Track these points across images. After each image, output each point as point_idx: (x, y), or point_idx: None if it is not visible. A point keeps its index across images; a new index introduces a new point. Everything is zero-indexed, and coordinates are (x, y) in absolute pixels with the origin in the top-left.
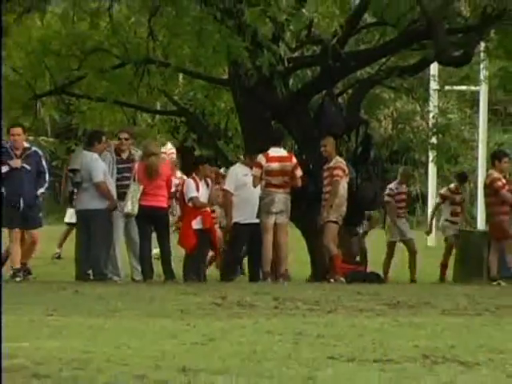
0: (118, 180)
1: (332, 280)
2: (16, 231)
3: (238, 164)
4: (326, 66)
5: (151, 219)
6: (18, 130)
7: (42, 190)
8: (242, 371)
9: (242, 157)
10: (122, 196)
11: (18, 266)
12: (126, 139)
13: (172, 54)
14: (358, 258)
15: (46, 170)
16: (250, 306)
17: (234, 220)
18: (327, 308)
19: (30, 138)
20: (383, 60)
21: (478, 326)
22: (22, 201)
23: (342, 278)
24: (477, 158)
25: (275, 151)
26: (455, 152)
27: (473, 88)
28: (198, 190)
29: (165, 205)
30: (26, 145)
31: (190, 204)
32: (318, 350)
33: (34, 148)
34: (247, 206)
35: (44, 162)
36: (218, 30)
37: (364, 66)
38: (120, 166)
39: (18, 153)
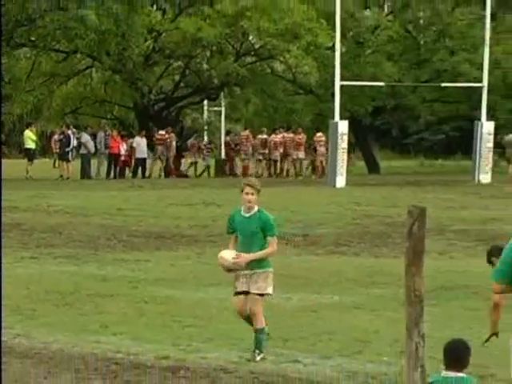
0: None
1: (173, 176)
2: (60, 162)
3: (138, 136)
4: (168, 103)
5: (115, 156)
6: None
7: (67, 149)
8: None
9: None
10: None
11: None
12: (107, 128)
13: (114, 97)
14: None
15: (71, 142)
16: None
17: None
18: (171, 186)
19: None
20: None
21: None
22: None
23: (175, 176)
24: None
25: (161, 132)
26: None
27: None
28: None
29: (119, 152)
30: (68, 132)
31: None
32: (180, 200)
33: (69, 132)
34: (143, 151)
35: (71, 138)
36: (129, 88)
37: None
38: (107, 137)
39: (62, 133)
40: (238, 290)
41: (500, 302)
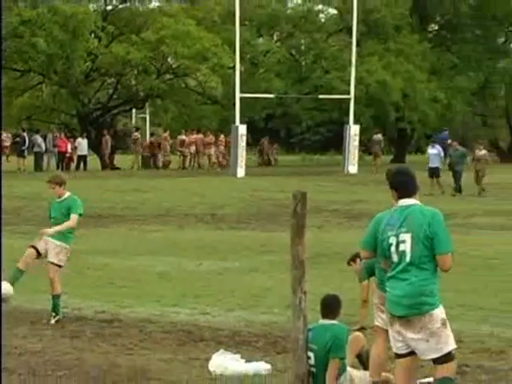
0: (53, 141)
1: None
2: (17, 158)
3: (80, 138)
4: (104, 111)
5: (62, 154)
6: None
7: (23, 147)
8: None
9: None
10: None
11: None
12: (55, 131)
13: (61, 107)
14: None
15: (26, 143)
16: (98, 175)
17: (79, 154)
18: (107, 176)
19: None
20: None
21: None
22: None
23: (110, 169)
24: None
25: (135, 134)
26: None
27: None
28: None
29: (66, 150)
30: (24, 134)
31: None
32: (114, 187)
33: (24, 134)
34: (84, 149)
35: (26, 140)
36: (73, 100)
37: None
38: (55, 138)
39: (19, 135)
40: (34, 244)
41: (367, 299)
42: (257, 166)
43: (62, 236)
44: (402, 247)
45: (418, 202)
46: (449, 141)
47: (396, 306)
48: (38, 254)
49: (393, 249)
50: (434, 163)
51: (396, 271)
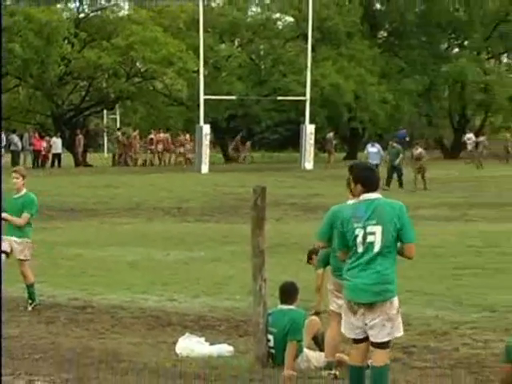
0: (29, 140)
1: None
2: None
3: (55, 137)
4: (77, 112)
5: (38, 152)
6: None
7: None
8: (67, 190)
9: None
10: (30, 145)
11: None
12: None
13: (36, 108)
14: None
15: (3, 142)
16: (72, 172)
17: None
18: (80, 173)
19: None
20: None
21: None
22: None
23: (83, 166)
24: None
25: (118, 133)
26: None
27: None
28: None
29: (40, 148)
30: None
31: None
32: (87, 183)
33: (1, 133)
34: (59, 148)
35: (4, 139)
36: (47, 101)
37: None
38: (30, 137)
39: None
40: (1, 249)
41: (321, 286)
42: (224, 162)
43: (22, 233)
44: (369, 239)
45: (380, 195)
46: (407, 138)
47: (362, 293)
48: (7, 255)
49: (359, 240)
50: (374, 160)
51: (360, 261)
